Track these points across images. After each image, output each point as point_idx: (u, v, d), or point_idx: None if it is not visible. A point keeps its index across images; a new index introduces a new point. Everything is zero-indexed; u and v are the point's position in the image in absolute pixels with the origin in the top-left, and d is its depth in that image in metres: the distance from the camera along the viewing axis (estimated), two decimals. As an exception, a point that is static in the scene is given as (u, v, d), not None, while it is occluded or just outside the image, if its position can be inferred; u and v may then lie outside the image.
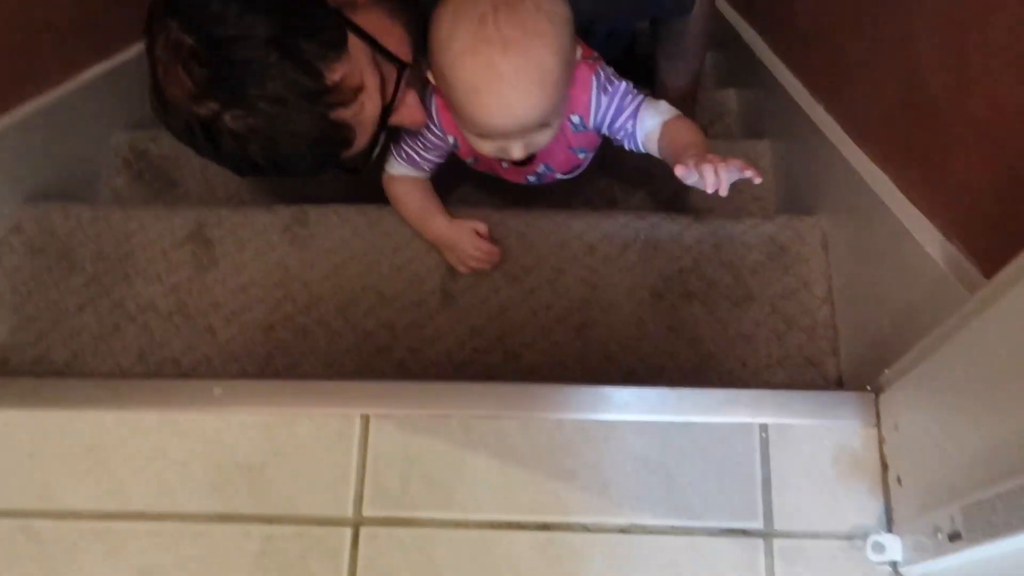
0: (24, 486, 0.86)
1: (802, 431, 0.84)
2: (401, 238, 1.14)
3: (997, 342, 0.60)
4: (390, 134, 1.08)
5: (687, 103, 1.55)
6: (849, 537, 0.80)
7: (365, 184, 1.36)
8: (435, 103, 1.03)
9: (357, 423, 0.87)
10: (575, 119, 1.02)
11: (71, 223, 1.16)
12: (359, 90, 0.88)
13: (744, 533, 0.81)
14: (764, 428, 0.84)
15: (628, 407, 0.85)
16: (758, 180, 0.86)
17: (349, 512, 0.84)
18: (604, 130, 1.04)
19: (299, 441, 0.86)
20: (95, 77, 1.39)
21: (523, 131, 0.90)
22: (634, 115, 1.00)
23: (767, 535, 0.81)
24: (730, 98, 1.69)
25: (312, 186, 1.38)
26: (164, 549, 0.83)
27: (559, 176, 1.14)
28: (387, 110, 0.93)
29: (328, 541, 0.83)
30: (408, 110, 0.97)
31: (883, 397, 0.83)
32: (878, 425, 0.83)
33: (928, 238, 0.83)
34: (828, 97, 1.16)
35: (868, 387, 0.85)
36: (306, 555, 0.82)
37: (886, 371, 0.83)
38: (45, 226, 1.16)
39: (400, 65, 0.92)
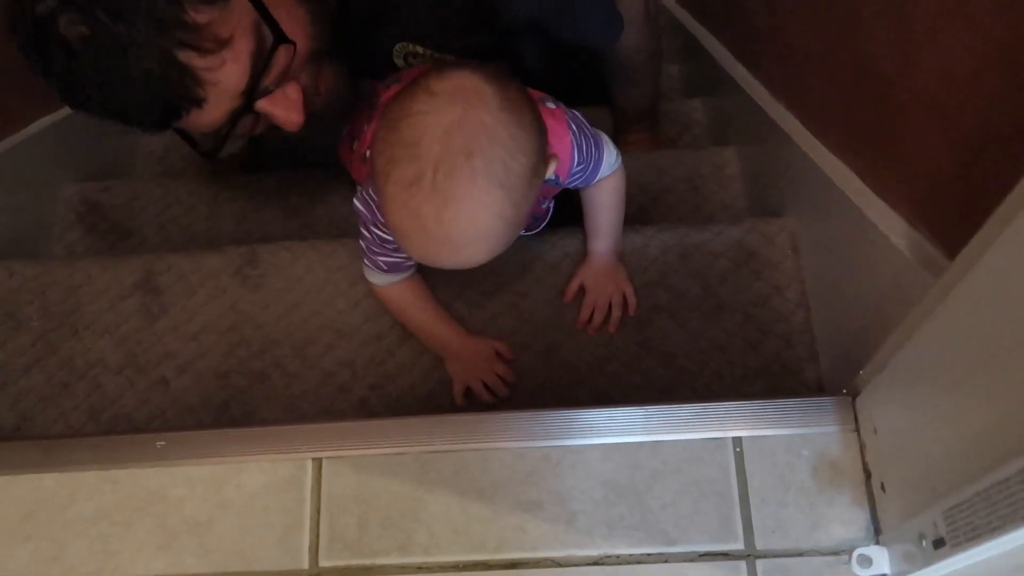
0: (-41, 560, 0.81)
1: (778, 442, 0.79)
2: (356, 271, 1.09)
3: (963, 326, 0.56)
4: (264, 147, 1.00)
5: (646, 121, 1.52)
6: (836, 552, 0.75)
7: (323, 219, 1.33)
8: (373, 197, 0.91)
9: (309, 467, 0.82)
10: (551, 177, 0.93)
11: (15, 280, 1.12)
12: (223, 44, 0.80)
13: (725, 556, 0.76)
14: (738, 442, 0.80)
15: (593, 430, 0.81)
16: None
17: (305, 564, 0.79)
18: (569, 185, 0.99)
19: (248, 491, 0.81)
20: (40, 130, 1.35)
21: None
22: (595, 170, 0.97)
23: (749, 556, 0.76)
24: (696, 109, 1.65)
25: (270, 226, 1.35)
26: (110, 618, 0.78)
27: (521, 234, 1.07)
28: (255, 85, 0.85)
29: (284, 596, 0.78)
30: (284, 102, 0.89)
31: (860, 400, 0.78)
32: (857, 430, 0.79)
33: (893, 227, 0.79)
34: (787, 95, 1.13)
35: (844, 391, 0.80)
36: (261, 613, 0.77)
37: (861, 372, 0.78)
38: (-12, 286, 1.12)
39: (278, 39, 0.84)
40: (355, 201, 0.93)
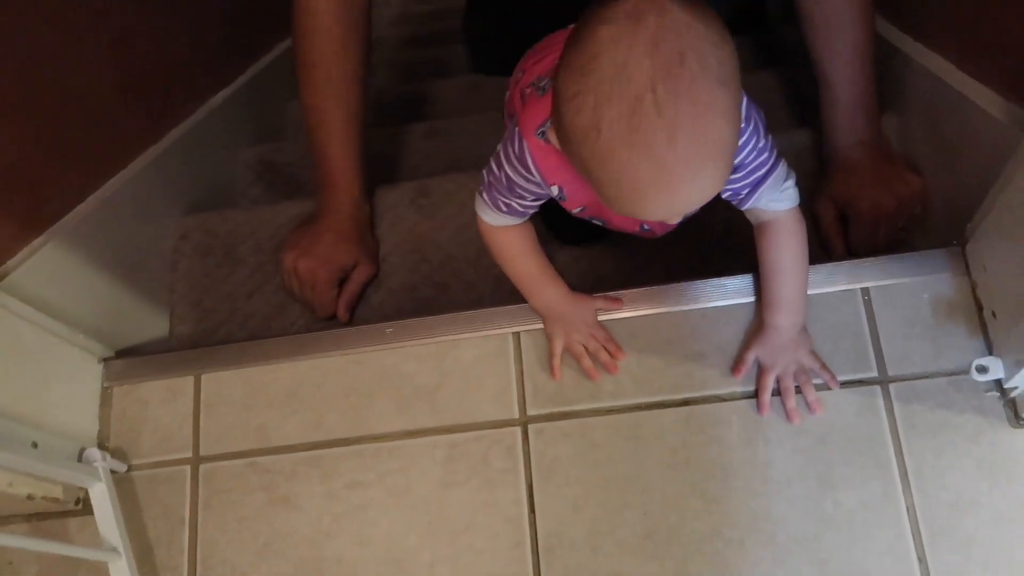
0: (245, 431, 1.02)
1: (900, 289, 0.95)
2: (514, 193, 1.27)
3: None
4: None
5: (866, 112, 1.12)
6: (956, 373, 0.91)
7: (469, 159, 1.51)
8: (528, 147, 0.81)
9: (510, 340, 1.01)
10: None
11: (229, 225, 1.34)
12: None
13: (861, 383, 0.93)
14: (866, 292, 0.96)
15: (741, 292, 0.98)
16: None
17: (516, 414, 0.98)
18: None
19: (464, 362, 1.01)
20: (221, 103, 1.57)
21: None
22: (754, 188, 0.83)
23: (882, 381, 0.93)
24: (789, 34, 1.78)
25: (419, 170, 1.53)
26: (367, 467, 0.99)
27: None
28: None
29: (503, 440, 0.97)
30: None
31: (969, 247, 0.93)
32: (968, 272, 0.94)
33: (989, 102, 0.93)
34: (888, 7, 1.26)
35: (955, 242, 0.95)
36: (487, 454, 0.97)
37: (968, 224, 0.93)
38: (208, 230, 1.33)
39: None
40: (506, 142, 0.85)
